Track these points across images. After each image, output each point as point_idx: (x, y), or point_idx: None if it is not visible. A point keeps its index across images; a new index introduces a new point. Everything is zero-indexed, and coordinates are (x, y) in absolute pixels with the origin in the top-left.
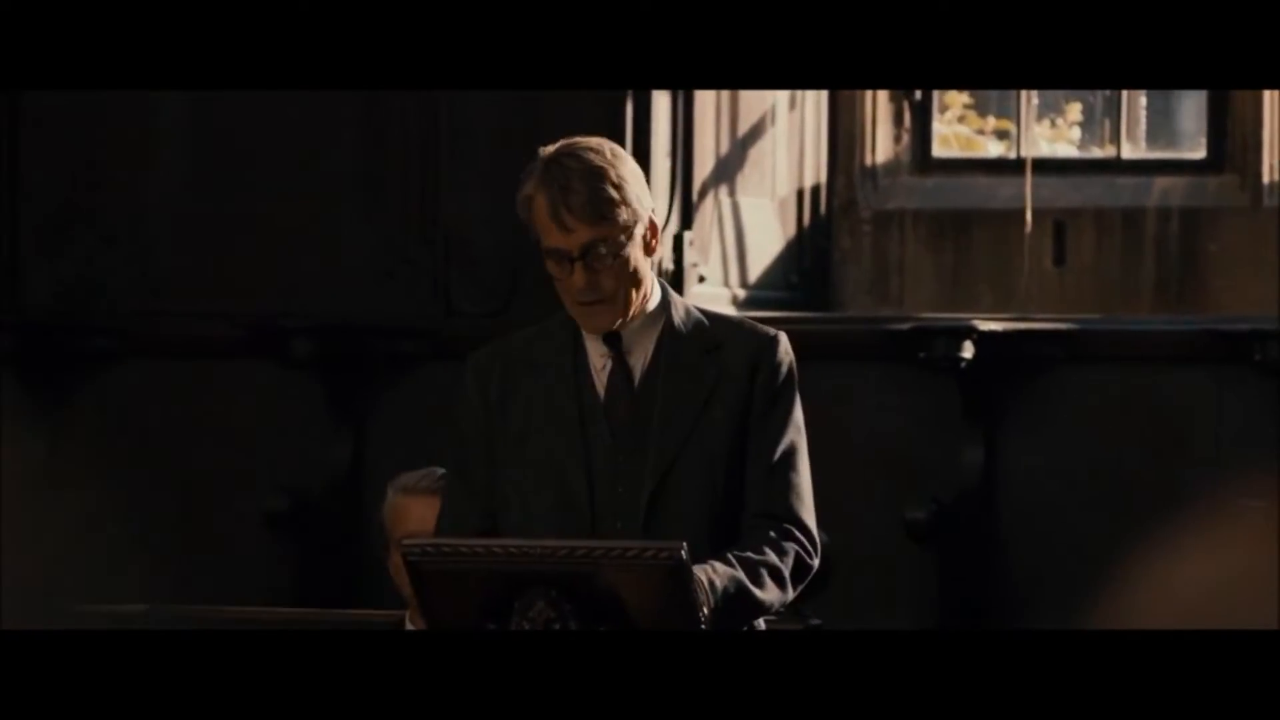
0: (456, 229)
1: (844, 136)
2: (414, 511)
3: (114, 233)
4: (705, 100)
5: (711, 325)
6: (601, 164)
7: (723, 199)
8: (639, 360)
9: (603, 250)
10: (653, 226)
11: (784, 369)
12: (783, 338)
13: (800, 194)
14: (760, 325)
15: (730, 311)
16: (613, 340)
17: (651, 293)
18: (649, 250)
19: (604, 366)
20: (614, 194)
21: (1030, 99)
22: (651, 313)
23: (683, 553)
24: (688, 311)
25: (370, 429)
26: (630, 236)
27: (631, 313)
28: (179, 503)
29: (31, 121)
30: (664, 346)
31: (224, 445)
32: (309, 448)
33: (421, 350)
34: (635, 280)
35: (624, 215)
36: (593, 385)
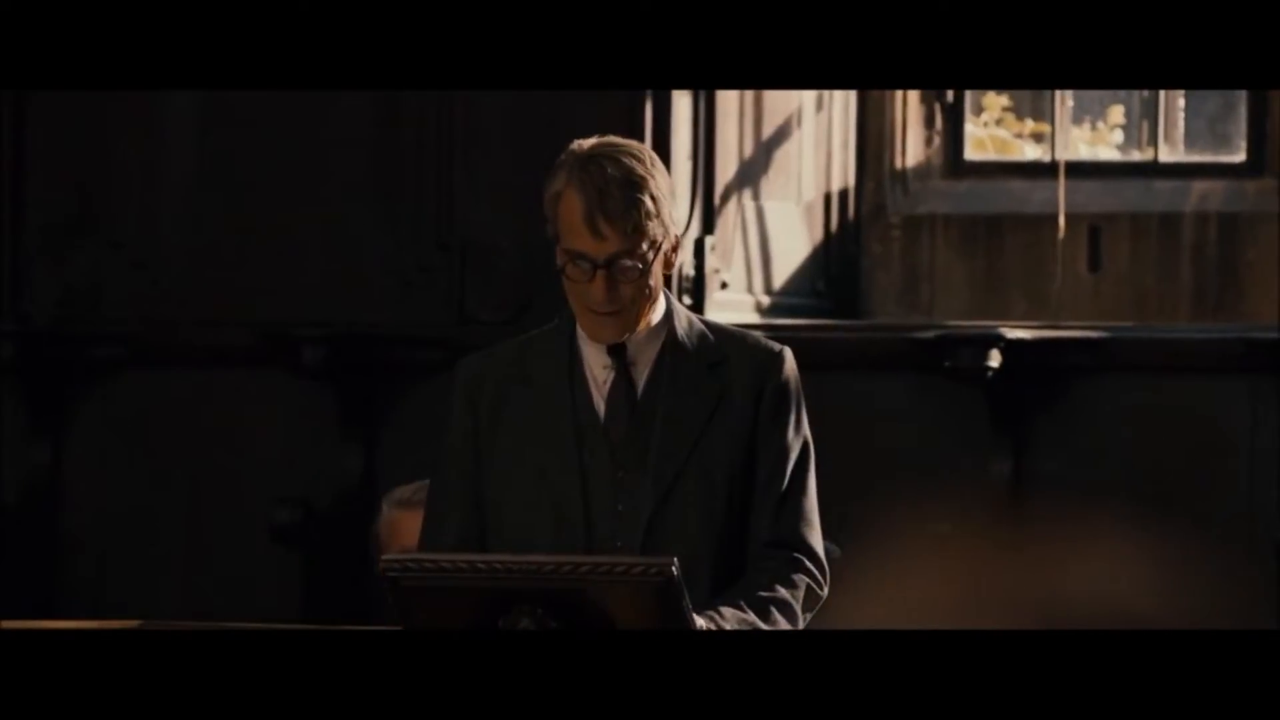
0: (473, 236)
1: (873, 139)
2: (409, 525)
3: (121, 239)
4: (728, 101)
5: (715, 339)
6: (643, 174)
7: (746, 203)
8: (641, 373)
9: (628, 263)
10: (676, 241)
11: (790, 386)
12: (788, 353)
13: (827, 198)
14: (765, 340)
15: (754, 319)
16: (617, 352)
17: (656, 303)
18: (669, 265)
19: (606, 380)
20: (651, 207)
21: (1065, 101)
22: (656, 324)
23: (674, 569)
24: (690, 323)
25: (383, 439)
26: (657, 252)
27: (640, 325)
28: (185, 514)
29: (37, 126)
30: (665, 359)
31: (233, 456)
32: (320, 458)
33: (436, 359)
34: (651, 295)
35: (656, 230)
36: (590, 399)
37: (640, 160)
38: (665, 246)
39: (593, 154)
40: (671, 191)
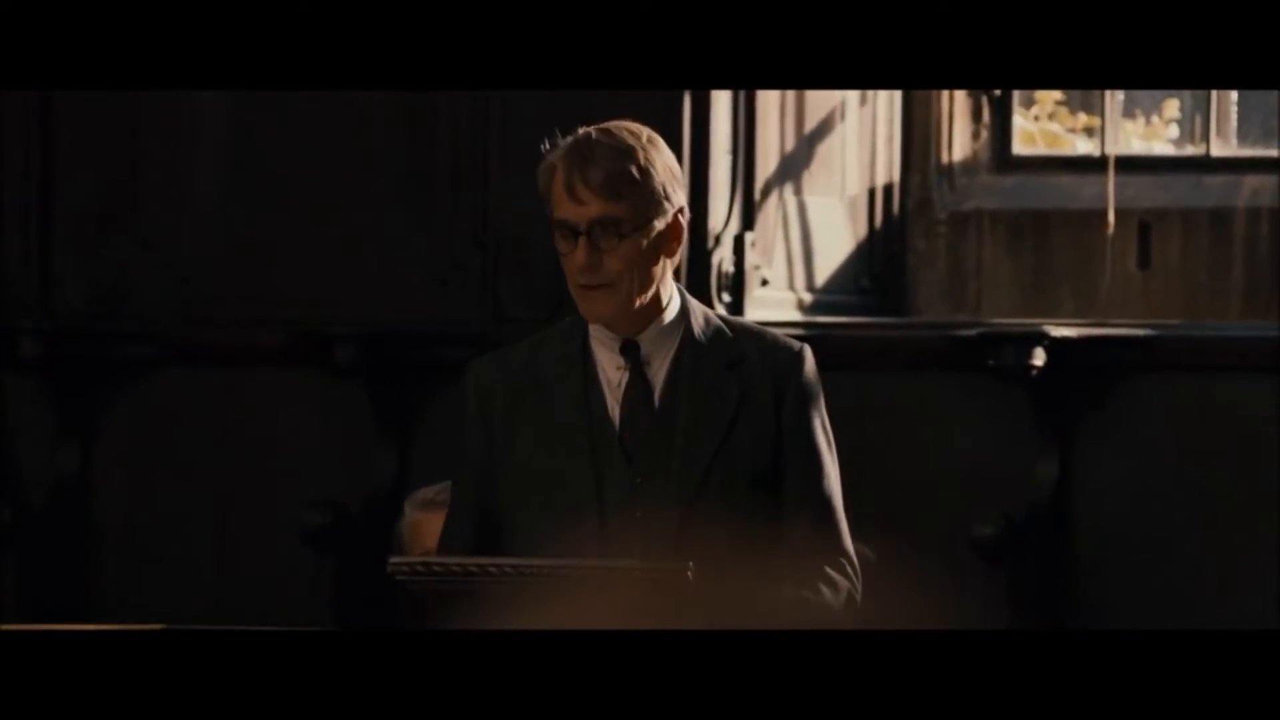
0: (508, 233)
1: (918, 133)
2: (432, 527)
3: (151, 237)
4: (769, 95)
5: (733, 336)
6: (632, 144)
7: (788, 198)
8: (658, 374)
9: (610, 230)
10: (677, 226)
11: (813, 387)
12: (808, 351)
13: (871, 193)
14: (784, 338)
15: (796, 316)
16: (630, 350)
17: (671, 300)
18: (669, 250)
19: (620, 381)
20: (635, 174)
21: (1115, 95)
22: (670, 322)
23: (688, 573)
24: (707, 320)
25: (417, 439)
26: (644, 224)
27: (635, 307)
28: (215, 516)
29: (67, 123)
30: (683, 359)
31: (264, 457)
32: (353, 459)
33: (471, 357)
34: (645, 274)
35: (642, 198)
36: (604, 402)
37: (635, 135)
38: (658, 224)
39: (588, 130)
40: (672, 172)
